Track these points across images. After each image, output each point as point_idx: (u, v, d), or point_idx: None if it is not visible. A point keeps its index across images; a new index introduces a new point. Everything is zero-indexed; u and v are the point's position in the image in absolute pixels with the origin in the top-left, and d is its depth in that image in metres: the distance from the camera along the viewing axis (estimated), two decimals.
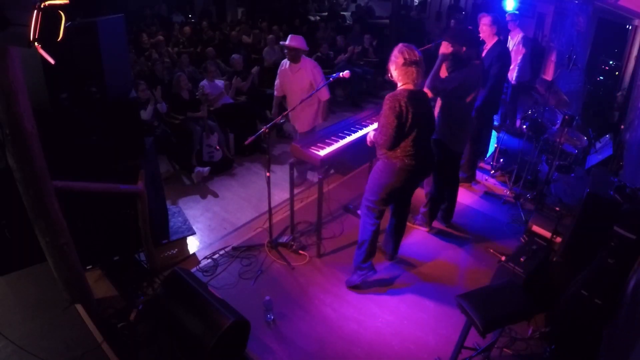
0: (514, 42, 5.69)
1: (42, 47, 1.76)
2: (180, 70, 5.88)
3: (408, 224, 4.03)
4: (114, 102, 2.89)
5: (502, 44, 4.41)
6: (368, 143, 3.13)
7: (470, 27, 4.56)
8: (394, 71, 2.85)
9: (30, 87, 2.21)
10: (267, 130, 3.29)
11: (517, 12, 5.98)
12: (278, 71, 4.53)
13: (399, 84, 2.87)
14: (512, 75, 5.72)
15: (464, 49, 3.35)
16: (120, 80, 2.99)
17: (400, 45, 2.82)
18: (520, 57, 5.64)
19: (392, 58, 2.83)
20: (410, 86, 2.82)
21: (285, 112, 3.87)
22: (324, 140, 3.52)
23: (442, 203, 3.95)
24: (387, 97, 2.80)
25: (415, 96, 2.83)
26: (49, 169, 2.35)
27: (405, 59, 2.76)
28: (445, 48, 3.40)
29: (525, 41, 5.69)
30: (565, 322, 2.75)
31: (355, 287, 3.35)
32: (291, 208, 3.79)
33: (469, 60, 3.40)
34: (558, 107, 4.82)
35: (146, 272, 3.38)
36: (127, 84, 3.20)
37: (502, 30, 4.43)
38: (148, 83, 5.23)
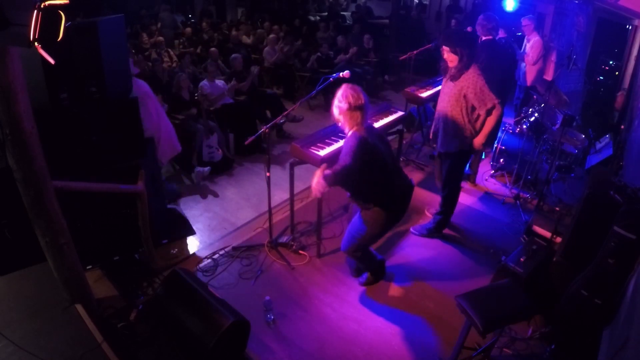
0: (530, 44, 5.69)
1: (42, 47, 1.76)
2: (182, 70, 5.88)
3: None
4: (114, 102, 2.89)
5: (493, 42, 4.39)
6: (317, 193, 2.62)
7: (469, 28, 4.56)
8: (339, 116, 2.69)
9: (30, 87, 2.21)
10: (267, 130, 3.29)
11: (532, 16, 5.99)
12: None
13: (348, 130, 2.72)
14: (530, 78, 5.72)
15: (463, 55, 3.19)
16: (120, 80, 2.99)
17: (344, 87, 2.66)
18: (536, 60, 5.63)
19: (337, 103, 2.67)
20: (360, 129, 2.66)
21: (286, 112, 3.87)
22: (324, 140, 3.52)
23: (451, 214, 3.92)
24: (349, 138, 2.66)
25: (372, 132, 2.73)
26: (49, 169, 2.35)
27: (349, 104, 2.61)
28: (446, 55, 3.26)
29: (541, 44, 5.68)
30: (565, 322, 2.75)
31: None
32: (291, 208, 3.79)
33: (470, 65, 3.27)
34: (558, 107, 4.82)
35: (146, 272, 3.38)
36: (127, 84, 3.20)
37: (496, 29, 4.40)
38: (148, 83, 5.23)
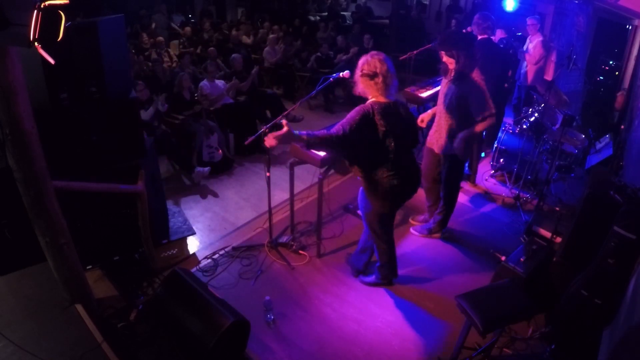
0: (533, 44, 5.69)
1: (42, 47, 1.76)
2: (182, 70, 5.89)
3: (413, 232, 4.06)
4: (114, 102, 2.89)
5: (489, 42, 4.38)
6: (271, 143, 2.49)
7: (469, 28, 4.55)
8: (359, 85, 2.68)
9: (30, 87, 2.21)
10: (267, 130, 3.28)
11: (537, 16, 6.00)
12: None
13: (369, 97, 2.71)
14: (530, 77, 5.72)
15: (460, 57, 3.13)
16: (120, 80, 2.98)
17: (365, 55, 2.65)
18: (537, 60, 5.63)
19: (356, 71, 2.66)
20: (375, 102, 2.64)
21: (286, 112, 3.86)
22: None
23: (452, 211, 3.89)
24: (356, 108, 2.62)
25: (388, 108, 2.65)
26: (49, 169, 2.35)
27: (362, 71, 2.61)
28: (445, 58, 3.23)
29: (544, 45, 5.69)
30: (565, 322, 2.75)
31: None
32: (291, 208, 3.79)
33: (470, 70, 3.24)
34: (558, 107, 4.82)
35: (146, 272, 3.38)
36: (127, 84, 3.20)
37: (491, 28, 4.40)
38: (148, 83, 5.24)
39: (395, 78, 2.69)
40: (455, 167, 3.57)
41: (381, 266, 3.26)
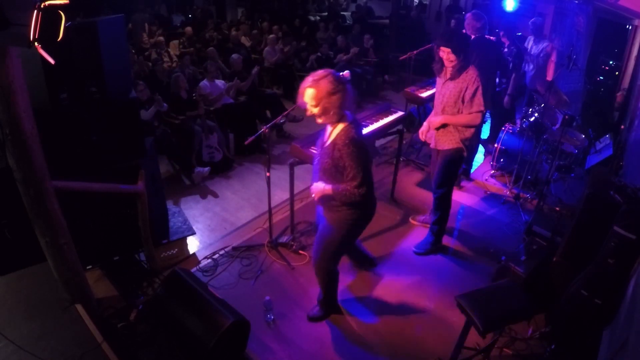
0: (537, 47, 5.67)
1: (42, 47, 1.77)
2: (181, 70, 5.88)
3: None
4: (114, 102, 2.89)
5: (483, 40, 4.38)
6: (317, 199, 2.56)
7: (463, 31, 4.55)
8: (312, 106, 2.33)
9: (30, 87, 2.21)
10: (267, 130, 3.29)
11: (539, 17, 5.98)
12: None
13: (330, 124, 2.44)
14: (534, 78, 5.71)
15: (463, 53, 3.13)
16: (120, 80, 2.98)
17: (313, 74, 2.36)
18: (541, 61, 5.61)
19: (306, 89, 2.34)
20: (349, 126, 2.37)
21: (286, 112, 3.86)
22: None
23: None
24: (343, 141, 2.31)
25: (358, 125, 2.46)
26: (49, 169, 2.35)
27: (327, 90, 2.29)
28: (446, 56, 3.15)
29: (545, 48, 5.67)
30: (565, 322, 2.75)
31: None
32: (291, 208, 3.79)
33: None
34: (558, 107, 4.82)
35: (146, 272, 3.38)
36: (127, 84, 3.20)
37: (485, 28, 4.39)
38: (148, 83, 5.24)
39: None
40: (451, 166, 3.50)
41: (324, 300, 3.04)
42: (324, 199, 2.53)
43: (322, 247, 2.70)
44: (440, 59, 3.23)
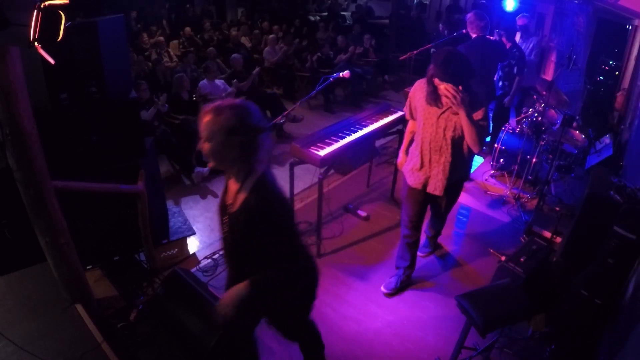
0: (525, 44, 5.67)
1: (42, 47, 1.77)
2: (183, 69, 5.88)
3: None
4: (114, 102, 2.89)
5: (484, 40, 4.38)
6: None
7: (463, 31, 4.53)
8: (211, 153, 1.74)
9: (30, 87, 2.21)
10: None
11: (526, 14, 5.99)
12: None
13: (239, 177, 1.79)
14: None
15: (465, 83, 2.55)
16: (120, 80, 2.99)
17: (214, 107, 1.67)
18: (530, 59, 5.62)
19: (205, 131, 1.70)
20: (262, 177, 1.75)
21: (286, 112, 3.86)
22: (324, 140, 3.52)
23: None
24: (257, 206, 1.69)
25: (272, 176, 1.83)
26: (49, 169, 2.35)
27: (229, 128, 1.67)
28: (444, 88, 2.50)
29: (537, 45, 5.68)
30: (565, 322, 2.75)
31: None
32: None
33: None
34: (558, 107, 4.83)
35: (146, 272, 3.38)
36: (127, 84, 3.20)
37: (487, 27, 4.39)
38: (148, 83, 5.24)
39: None
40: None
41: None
42: (245, 304, 1.78)
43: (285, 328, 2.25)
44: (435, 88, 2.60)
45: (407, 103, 2.95)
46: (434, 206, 3.25)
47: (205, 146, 1.70)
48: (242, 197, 1.74)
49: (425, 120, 2.73)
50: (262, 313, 2.09)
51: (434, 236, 3.68)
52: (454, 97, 2.43)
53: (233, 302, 1.77)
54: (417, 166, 2.87)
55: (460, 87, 2.45)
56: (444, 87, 2.48)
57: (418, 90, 2.79)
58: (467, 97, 2.46)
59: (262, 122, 1.72)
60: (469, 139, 2.63)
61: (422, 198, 2.97)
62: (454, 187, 2.97)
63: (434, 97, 2.63)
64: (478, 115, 2.58)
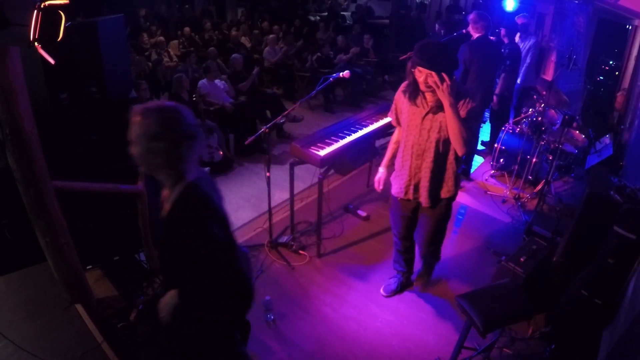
0: (523, 44, 5.67)
1: (42, 47, 1.76)
2: (185, 69, 5.88)
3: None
4: (114, 102, 2.90)
5: (486, 40, 4.38)
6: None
7: (463, 31, 4.52)
8: (141, 159, 1.56)
9: (30, 87, 2.21)
10: (267, 130, 3.29)
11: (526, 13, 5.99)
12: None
13: (169, 183, 1.63)
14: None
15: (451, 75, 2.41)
16: (120, 80, 2.99)
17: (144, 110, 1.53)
18: (528, 59, 5.61)
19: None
20: (190, 184, 1.59)
21: (286, 112, 3.86)
22: (324, 140, 3.52)
23: None
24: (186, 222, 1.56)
25: (207, 181, 1.69)
26: (49, 169, 2.35)
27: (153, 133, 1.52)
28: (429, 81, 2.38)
29: (534, 45, 5.67)
30: (565, 322, 2.75)
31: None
32: (291, 208, 3.79)
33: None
34: (558, 107, 4.83)
35: (146, 272, 3.38)
36: (127, 84, 3.21)
37: (489, 27, 4.39)
38: (148, 83, 5.24)
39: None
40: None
41: None
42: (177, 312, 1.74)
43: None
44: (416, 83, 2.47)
45: (393, 107, 2.76)
46: (421, 228, 3.01)
47: (132, 150, 1.54)
48: (168, 206, 1.61)
49: (410, 122, 2.60)
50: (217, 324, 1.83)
51: (425, 272, 3.35)
52: (438, 83, 2.30)
53: (166, 309, 1.75)
54: (401, 173, 2.77)
55: (444, 75, 2.30)
56: (426, 75, 2.36)
57: (403, 92, 2.65)
58: (454, 86, 2.33)
59: (192, 128, 1.56)
60: (453, 135, 2.46)
61: (408, 207, 2.87)
62: (442, 205, 2.79)
63: (414, 88, 2.50)
64: (462, 109, 2.43)
